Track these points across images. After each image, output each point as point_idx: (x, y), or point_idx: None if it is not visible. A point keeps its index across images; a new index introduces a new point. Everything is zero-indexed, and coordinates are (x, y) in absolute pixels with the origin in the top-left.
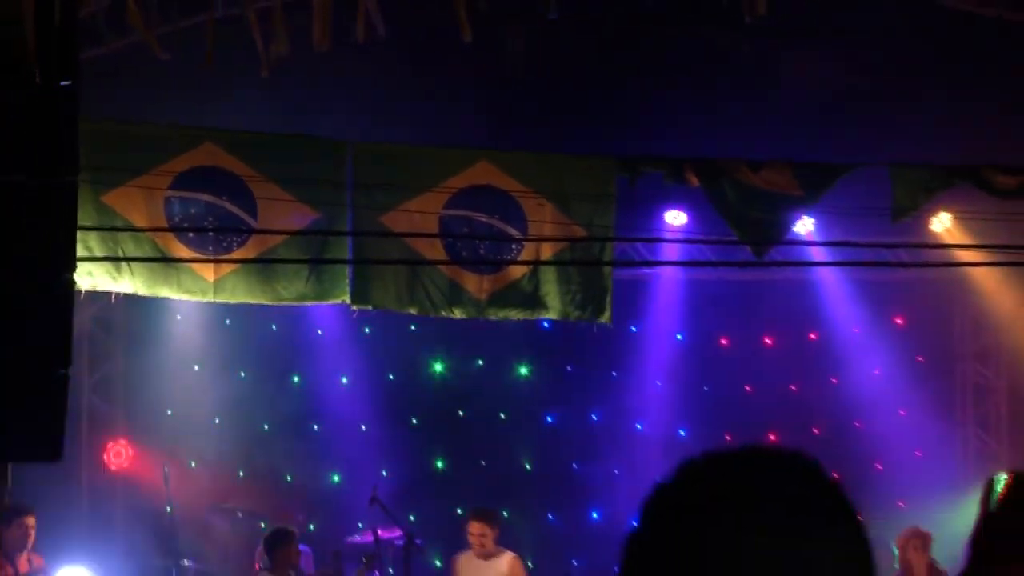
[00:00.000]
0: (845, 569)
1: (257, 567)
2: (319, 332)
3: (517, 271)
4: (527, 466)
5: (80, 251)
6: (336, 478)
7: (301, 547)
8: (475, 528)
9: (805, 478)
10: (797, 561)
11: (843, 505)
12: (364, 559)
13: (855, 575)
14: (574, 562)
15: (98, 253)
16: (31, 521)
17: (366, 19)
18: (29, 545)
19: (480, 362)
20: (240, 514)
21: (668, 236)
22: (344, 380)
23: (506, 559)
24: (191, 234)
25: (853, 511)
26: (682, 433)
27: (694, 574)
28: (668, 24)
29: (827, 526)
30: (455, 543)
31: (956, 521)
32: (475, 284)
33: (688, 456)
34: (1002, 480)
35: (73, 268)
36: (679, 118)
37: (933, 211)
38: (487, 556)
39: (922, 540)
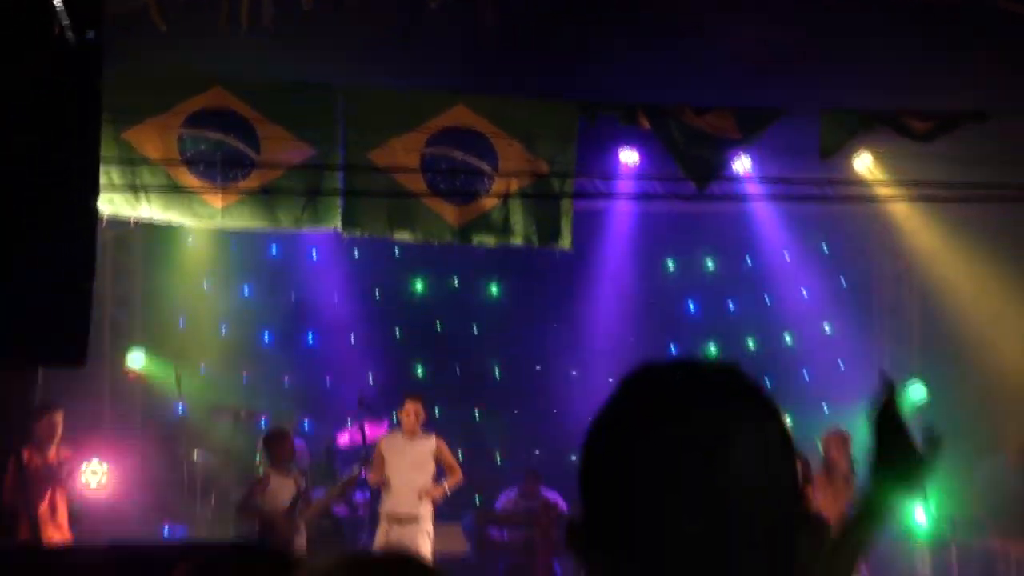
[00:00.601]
0: (769, 458)
1: (258, 461)
2: (314, 255)
3: (489, 202)
4: (496, 371)
5: (103, 181)
6: (328, 382)
7: (296, 442)
8: (409, 407)
9: (732, 382)
10: (726, 452)
11: (765, 404)
12: (356, 465)
13: (779, 464)
14: (536, 451)
15: (119, 183)
16: (59, 417)
17: None
18: (57, 439)
19: (455, 282)
20: (243, 413)
21: (621, 172)
22: (335, 297)
23: (432, 439)
24: (201, 166)
25: (776, 409)
26: (631, 342)
27: (641, 467)
28: None
29: (752, 422)
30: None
31: (865, 422)
32: (451, 213)
33: (633, 367)
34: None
35: (97, 196)
36: (635, 67)
37: (856, 151)
38: (414, 436)
39: (843, 439)
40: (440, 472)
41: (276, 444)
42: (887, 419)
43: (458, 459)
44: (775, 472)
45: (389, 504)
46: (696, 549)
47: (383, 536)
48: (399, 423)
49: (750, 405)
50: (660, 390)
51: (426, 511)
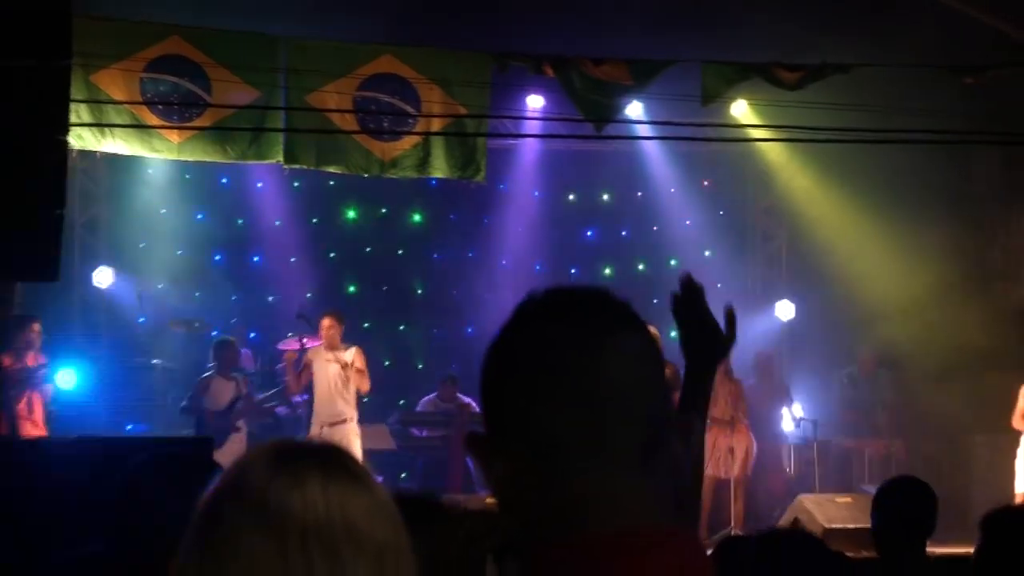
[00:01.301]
0: (638, 361)
1: (208, 366)
2: (259, 185)
3: (412, 140)
4: (418, 291)
5: (73, 119)
6: (271, 298)
7: (243, 351)
8: (327, 322)
9: (604, 299)
10: (599, 353)
11: (633, 317)
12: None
13: (647, 368)
14: (453, 366)
15: (87, 120)
16: (37, 327)
17: None
18: (34, 347)
19: (383, 210)
20: (196, 324)
21: (529, 115)
22: (277, 223)
23: (352, 350)
24: (160, 106)
25: (643, 323)
26: (537, 268)
27: (522, 366)
28: None
29: (622, 330)
30: (364, 348)
31: (744, 335)
32: (380, 149)
33: (534, 288)
34: None
35: (67, 131)
36: (541, 21)
37: (733, 99)
38: (334, 348)
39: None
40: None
41: (222, 351)
42: (688, 308)
43: (384, 366)
44: (644, 374)
45: (319, 409)
46: (574, 442)
47: (316, 435)
48: (322, 335)
49: (619, 317)
50: (542, 305)
51: (352, 413)
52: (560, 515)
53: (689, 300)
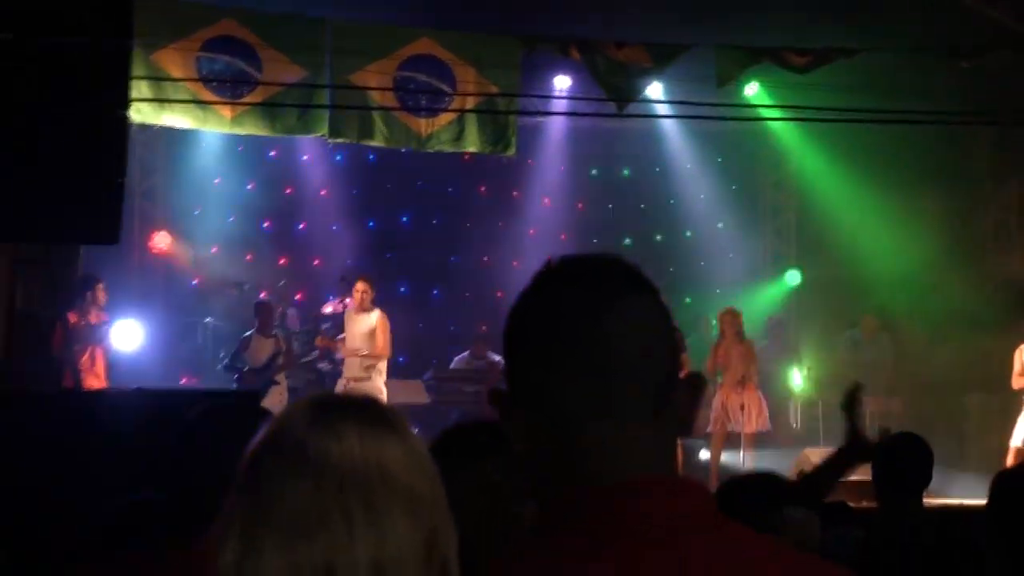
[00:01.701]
0: (647, 324)
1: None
2: (304, 158)
3: (447, 116)
4: (452, 257)
5: (133, 94)
6: (315, 262)
7: (290, 311)
8: (360, 286)
9: (617, 265)
10: (609, 315)
11: (643, 282)
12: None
13: (656, 330)
14: (484, 326)
15: (147, 96)
16: (101, 287)
17: None
18: (97, 305)
19: (420, 183)
20: (246, 287)
21: (556, 94)
22: (321, 193)
23: (376, 313)
24: (215, 83)
25: (654, 288)
26: (562, 237)
27: (536, 327)
28: None
29: (632, 295)
30: (395, 308)
31: (755, 301)
32: (417, 125)
33: (555, 256)
34: None
35: (128, 106)
36: (568, 7)
37: (746, 81)
38: (364, 311)
39: (732, 315)
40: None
41: (260, 312)
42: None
43: (419, 327)
44: (652, 337)
45: (347, 365)
46: (584, 406)
47: (341, 390)
48: (353, 299)
49: (629, 281)
50: (557, 272)
51: (376, 372)
52: (571, 468)
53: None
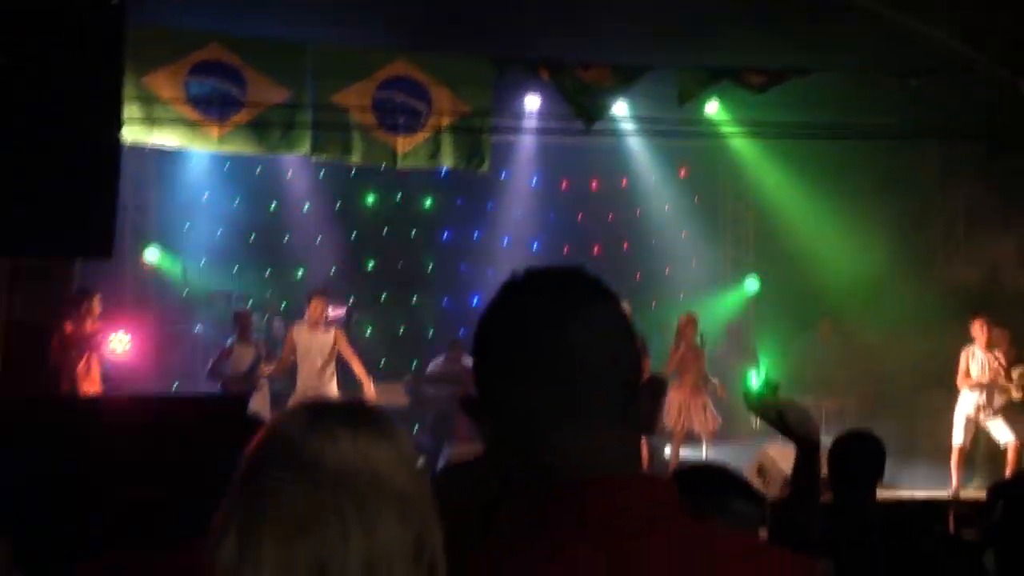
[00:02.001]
0: (609, 333)
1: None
2: (289, 174)
3: (424, 134)
4: (429, 267)
5: (126, 115)
6: (299, 272)
7: (275, 319)
8: (317, 302)
9: (579, 276)
10: (572, 324)
11: (604, 291)
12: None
13: (618, 339)
14: (460, 332)
15: (138, 117)
16: (96, 298)
17: None
18: (92, 315)
19: (398, 196)
20: (233, 295)
21: (527, 112)
22: (305, 207)
23: (331, 332)
24: (202, 105)
25: (615, 298)
26: (534, 247)
27: (501, 337)
28: None
29: (594, 303)
30: (381, 317)
31: (716, 307)
32: (395, 143)
33: (520, 268)
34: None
35: (120, 127)
36: (538, 31)
37: (706, 99)
38: (316, 328)
39: (692, 320)
40: (340, 359)
41: (238, 321)
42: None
43: (398, 334)
44: (613, 344)
45: (302, 379)
46: (548, 413)
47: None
48: (306, 316)
49: (592, 292)
50: (522, 284)
51: (330, 389)
52: (538, 471)
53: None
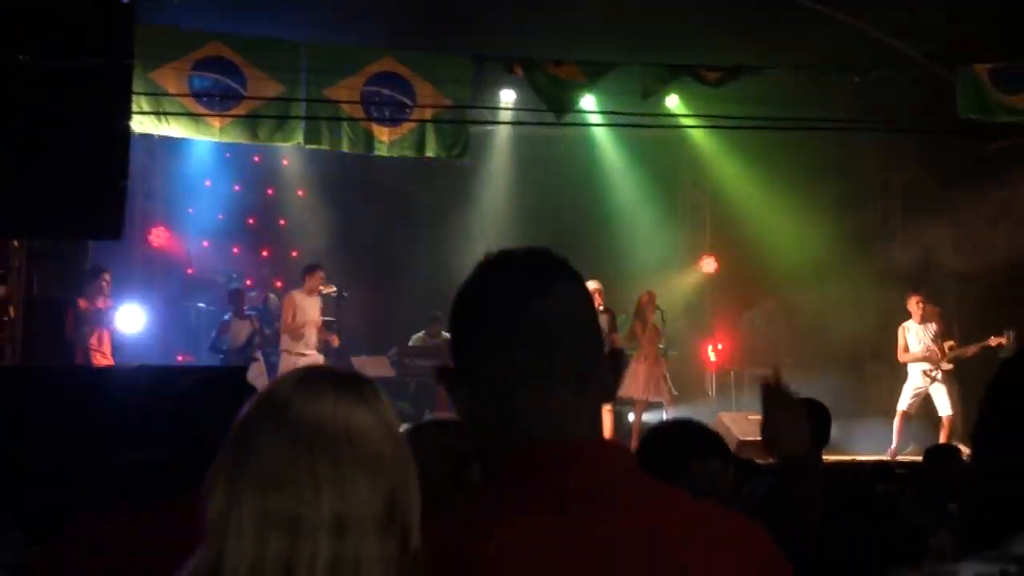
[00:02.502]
0: (576, 307)
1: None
2: (284, 162)
3: (408, 126)
4: (412, 249)
5: (134, 108)
6: (294, 253)
7: (271, 295)
8: (318, 274)
9: (547, 257)
10: (543, 299)
11: (571, 271)
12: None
13: (584, 312)
14: (439, 307)
15: (147, 109)
16: (107, 276)
17: None
18: (104, 292)
19: (385, 183)
20: (234, 276)
21: (503, 106)
22: (300, 193)
23: (320, 301)
24: (205, 98)
25: (580, 277)
26: (509, 229)
27: (486, 302)
28: None
29: (561, 281)
30: (368, 295)
31: (675, 285)
32: (382, 133)
33: (495, 249)
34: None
35: (129, 118)
36: (513, 31)
37: (667, 93)
38: (313, 295)
39: (651, 297)
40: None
41: (233, 298)
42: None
43: (383, 310)
44: (581, 317)
45: (289, 352)
46: (527, 373)
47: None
48: (304, 286)
49: (560, 270)
50: (496, 263)
51: (311, 352)
52: (510, 432)
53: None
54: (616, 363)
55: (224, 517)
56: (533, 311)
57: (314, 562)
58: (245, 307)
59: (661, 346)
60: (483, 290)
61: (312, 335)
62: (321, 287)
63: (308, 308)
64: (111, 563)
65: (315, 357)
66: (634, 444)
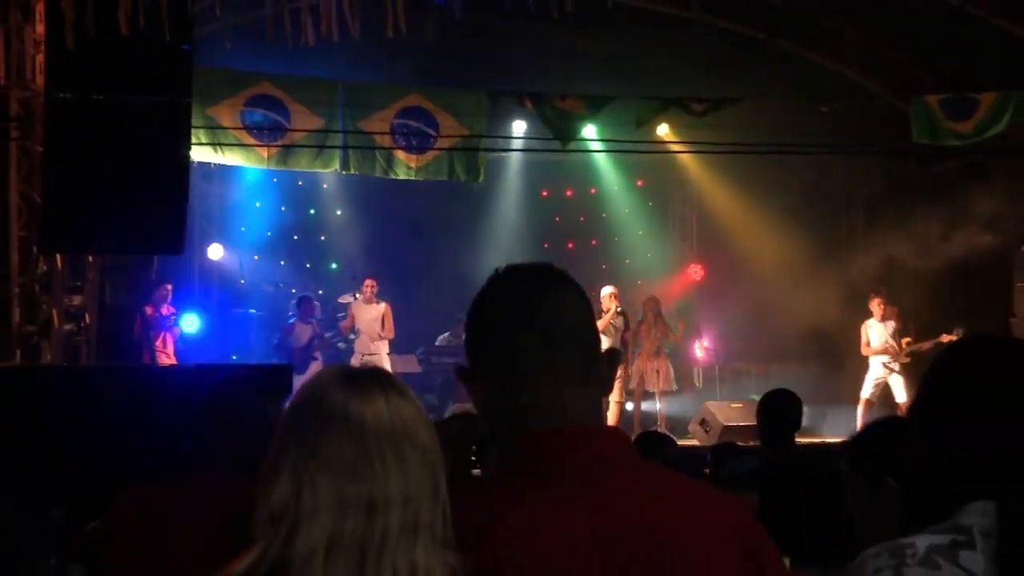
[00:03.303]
0: (574, 309)
1: (291, 315)
2: (325, 186)
3: (433, 153)
4: (437, 260)
5: (194, 140)
6: (333, 265)
7: (314, 302)
8: (368, 283)
9: (547, 267)
10: (544, 302)
11: (570, 280)
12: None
13: (581, 315)
14: (461, 312)
15: (205, 141)
16: (169, 286)
17: (349, 18)
18: (168, 300)
19: (413, 203)
20: (281, 285)
21: (515, 135)
22: (338, 212)
23: (382, 305)
24: (255, 131)
25: (575, 283)
26: (521, 243)
27: (490, 312)
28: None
29: (560, 287)
30: (399, 301)
31: (667, 291)
32: (410, 160)
33: (499, 265)
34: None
35: (189, 148)
36: (523, 69)
37: (659, 122)
38: (370, 302)
39: (654, 301)
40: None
41: (301, 305)
42: None
43: (413, 314)
44: (580, 317)
45: (359, 345)
46: (534, 368)
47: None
48: (363, 293)
49: (561, 279)
50: (505, 275)
51: (381, 349)
52: (521, 421)
53: None
54: (612, 360)
55: (295, 502)
56: (537, 315)
57: (386, 532)
58: (312, 315)
59: (665, 348)
60: (493, 298)
61: (374, 337)
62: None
63: (365, 315)
64: (155, 536)
65: (372, 359)
66: (636, 428)
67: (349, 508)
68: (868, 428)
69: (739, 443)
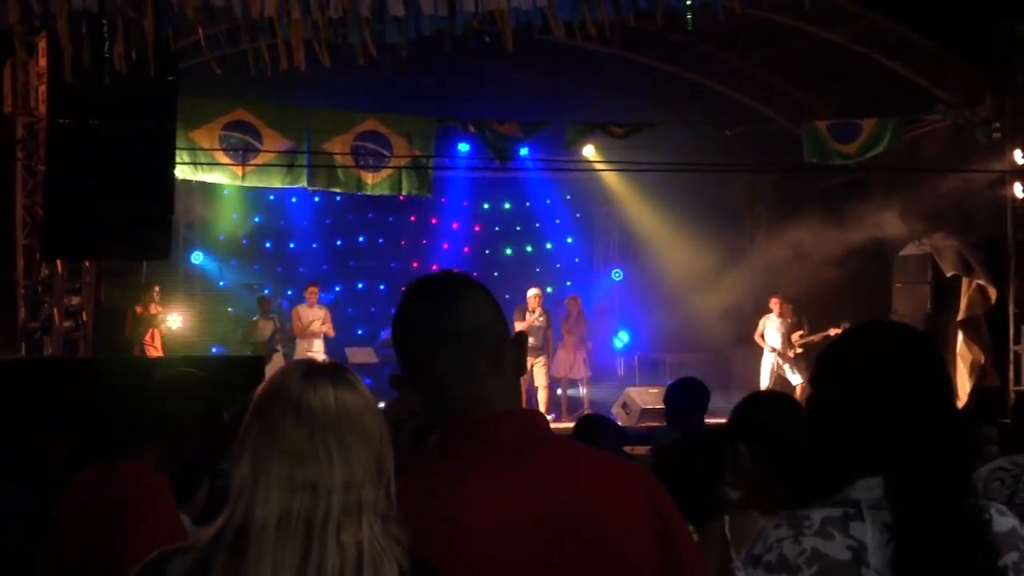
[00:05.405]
0: (485, 309)
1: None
2: (293, 199)
3: (387, 171)
4: (391, 264)
5: (178, 159)
6: (301, 269)
7: (284, 302)
8: (312, 288)
9: (459, 275)
10: (457, 303)
11: (475, 283)
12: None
13: (491, 313)
14: None
15: (187, 161)
16: (158, 288)
17: (318, 50)
18: (156, 300)
19: (370, 215)
20: (255, 287)
21: (460, 156)
22: (304, 224)
23: (323, 310)
24: (231, 152)
25: (482, 286)
26: (465, 249)
27: (407, 318)
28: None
29: (471, 291)
30: (359, 300)
31: (593, 290)
32: (367, 177)
33: (437, 270)
34: None
35: (174, 167)
36: (466, 97)
37: (585, 144)
38: (312, 307)
39: (575, 300)
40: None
41: (261, 303)
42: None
43: (371, 311)
44: (486, 317)
45: (300, 343)
46: (451, 369)
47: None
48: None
49: (466, 283)
50: (417, 286)
51: (320, 347)
52: (449, 411)
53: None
54: (519, 345)
55: (252, 482)
56: (449, 321)
57: (328, 512)
58: (271, 311)
59: (584, 337)
60: (409, 312)
61: (313, 336)
62: (317, 297)
63: (307, 317)
64: (81, 503)
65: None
66: (564, 409)
67: (297, 490)
68: (742, 401)
69: (653, 424)
